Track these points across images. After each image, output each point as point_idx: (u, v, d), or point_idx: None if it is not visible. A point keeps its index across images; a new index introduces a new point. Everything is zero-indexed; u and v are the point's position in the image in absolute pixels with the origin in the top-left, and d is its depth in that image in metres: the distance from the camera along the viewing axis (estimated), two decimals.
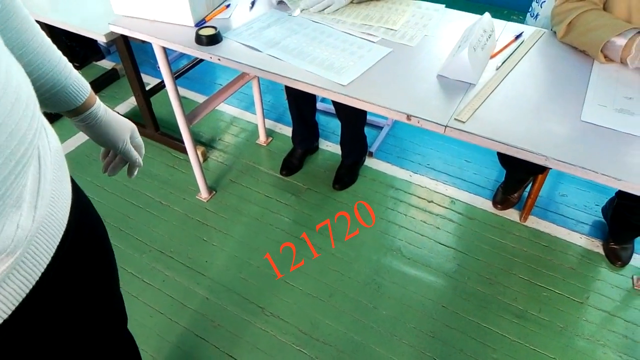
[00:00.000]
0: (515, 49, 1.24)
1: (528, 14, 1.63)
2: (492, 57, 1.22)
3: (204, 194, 2.01)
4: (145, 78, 2.70)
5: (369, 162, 2.18)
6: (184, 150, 2.04)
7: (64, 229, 0.64)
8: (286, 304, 1.62)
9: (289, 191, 2.04)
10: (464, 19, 1.39)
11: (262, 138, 2.31)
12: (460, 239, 1.83)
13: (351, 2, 1.45)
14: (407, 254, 1.77)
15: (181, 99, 1.66)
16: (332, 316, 1.58)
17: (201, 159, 2.12)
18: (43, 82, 0.69)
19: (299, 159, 2.15)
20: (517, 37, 1.29)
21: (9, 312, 0.55)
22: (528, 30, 1.33)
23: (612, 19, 1.14)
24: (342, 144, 2.06)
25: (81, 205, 0.74)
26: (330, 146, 2.28)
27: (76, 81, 0.74)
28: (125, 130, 0.85)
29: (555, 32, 1.28)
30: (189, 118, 1.77)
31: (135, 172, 0.91)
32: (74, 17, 1.60)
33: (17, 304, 0.56)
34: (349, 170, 2.07)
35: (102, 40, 1.54)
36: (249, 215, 1.94)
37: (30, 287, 0.58)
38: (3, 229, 0.51)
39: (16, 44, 0.63)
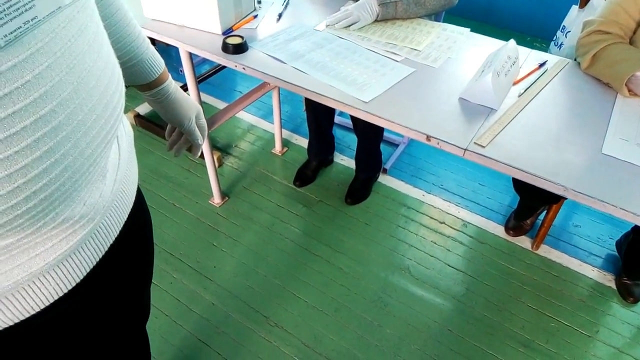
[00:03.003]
0: (539, 77, 1.24)
1: (552, 42, 1.63)
2: (514, 83, 1.22)
3: (216, 199, 2.02)
4: None
5: (383, 178, 2.18)
6: (200, 155, 2.06)
7: (131, 206, 0.69)
8: (291, 315, 1.62)
9: (301, 202, 2.05)
10: (488, 44, 1.40)
11: (277, 147, 2.33)
12: (470, 262, 1.82)
13: (376, 20, 1.47)
14: (415, 274, 1.76)
15: (202, 104, 1.68)
16: (336, 331, 1.58)
17: (216, 164, 2.13)
18: (122, 54, 0.72)
19: (313, 171, 2.16)
20: (541, 65, 1.29)
21: (82, 277, 0.59)
22: (552, 59, 1.33)
23: (638, 52, 1.14)
24: (357, 159, 2.06)
25: (140, 194, 0.79)
26: (345, 160, 2.29)
27: (152, 56, 0.78)
28: (192, 110, 0.88)
29: (579, 63, 1.28)
30: (208, 123, 1.79)
31: (199, 152, 0.95)
32: None
33: (89, 269, 0.60)
34: (362, 186, 2.07)
35: None
36: (259, 224, 1.95)
37: (101, 256, 0.62)
38: (90, 195, 0.55)
39: (101, 16, 0.66)
